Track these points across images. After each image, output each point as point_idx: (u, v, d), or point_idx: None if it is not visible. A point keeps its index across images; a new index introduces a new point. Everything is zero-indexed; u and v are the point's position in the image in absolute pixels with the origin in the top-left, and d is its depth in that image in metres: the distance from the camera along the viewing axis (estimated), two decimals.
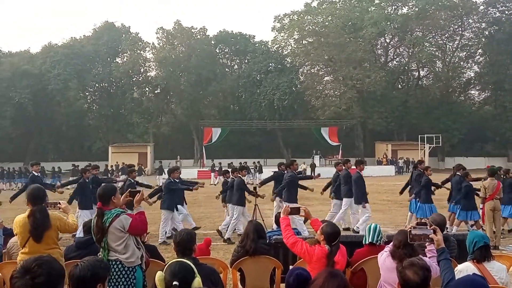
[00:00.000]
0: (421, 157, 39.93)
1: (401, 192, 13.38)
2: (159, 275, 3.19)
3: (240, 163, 34.03)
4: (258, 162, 35.04)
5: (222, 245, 10.52)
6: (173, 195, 11.10)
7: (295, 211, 5.40)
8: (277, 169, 13.13)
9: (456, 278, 3.53)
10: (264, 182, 13.14)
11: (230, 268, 5.55)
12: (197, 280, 3.20)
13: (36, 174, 11.65)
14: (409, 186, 12.77)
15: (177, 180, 11.42)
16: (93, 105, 56.16)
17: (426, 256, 4.03)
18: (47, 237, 4.80)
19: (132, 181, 11.52)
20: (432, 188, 11.90)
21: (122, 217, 4.49)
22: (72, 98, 49.23)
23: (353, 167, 12.13)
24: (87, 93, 55.56)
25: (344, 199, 11.88)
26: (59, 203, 5.09)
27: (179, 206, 11.45)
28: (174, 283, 3.06)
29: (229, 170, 13.47)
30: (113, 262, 4.48)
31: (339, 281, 2.96)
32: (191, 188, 11.60)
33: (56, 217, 4.89)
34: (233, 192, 11.44)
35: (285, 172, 12.15)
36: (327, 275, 3.02)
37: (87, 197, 11.00)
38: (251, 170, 32.15)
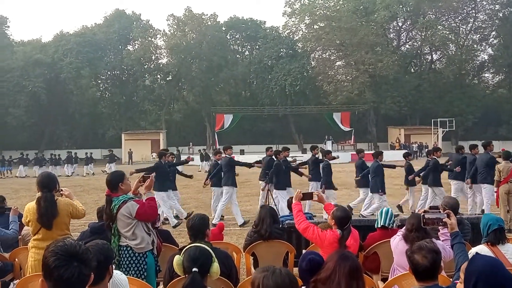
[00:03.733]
0: (435, 142, 39.67)
1: None
2: (178, 259, 3.21)
3: (200, 150, 33.93)
4: (204, 150, 34.62)
5: (235, 230, 10.61)
6: (285, 175, 11.80)
7: (308, 196, 5.32)
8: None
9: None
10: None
11: (244, 253, 5.58)
12: (216, 265, 3.21)
13: (229, 157, 12.10)
14: None
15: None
16: (106, 93, 56.50)
17: (440, 240, 4.01)
18: (59, 223, 4.80)
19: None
20: None
21: (129, 203, 4.51)
22: (84, 86, 49.51)
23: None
24: (99, 81, 55.88)
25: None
26: (62, 190, 5.11)
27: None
28: (194, 269, 3.08)
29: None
30: (124, 248, 4.51)
31: (350, 263, 2.94)
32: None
33: (68, 203, 4.90)
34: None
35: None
36: (338, 258, 3.01)
37: (281, 177, 11.59)
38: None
